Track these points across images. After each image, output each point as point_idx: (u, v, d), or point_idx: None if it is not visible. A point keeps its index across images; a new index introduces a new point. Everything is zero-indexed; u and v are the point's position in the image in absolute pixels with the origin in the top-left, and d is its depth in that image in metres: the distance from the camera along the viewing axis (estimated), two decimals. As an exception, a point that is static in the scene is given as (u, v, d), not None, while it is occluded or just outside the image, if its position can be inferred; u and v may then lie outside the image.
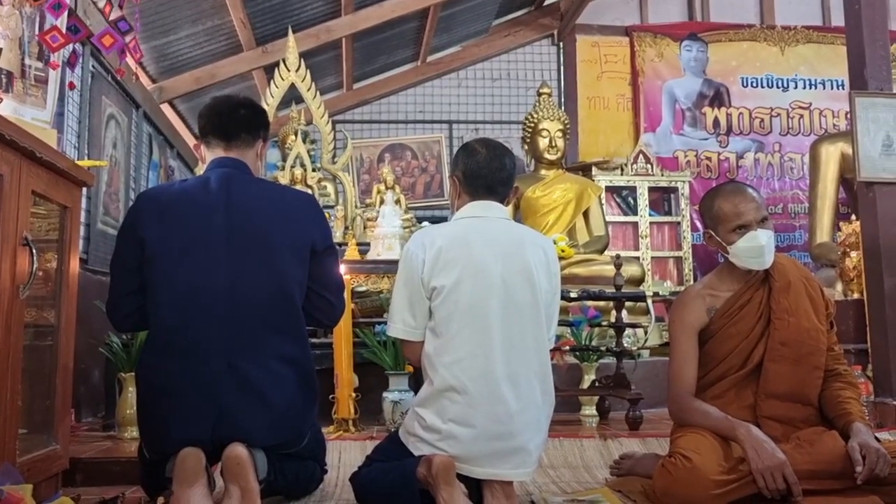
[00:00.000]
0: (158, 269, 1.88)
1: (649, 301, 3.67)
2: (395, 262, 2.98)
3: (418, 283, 1.95)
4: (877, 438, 2.04)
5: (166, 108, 5.40)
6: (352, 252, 4.02)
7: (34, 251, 1.90)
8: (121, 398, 2.98)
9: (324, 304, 2.06)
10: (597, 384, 3.41)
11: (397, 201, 4.66)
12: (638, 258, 5.78)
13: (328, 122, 4.76)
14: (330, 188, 4.89)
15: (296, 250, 1.96)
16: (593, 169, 6.11)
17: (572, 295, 3.31)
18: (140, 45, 3.19)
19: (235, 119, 2.03)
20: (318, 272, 2.02)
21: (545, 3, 7.13)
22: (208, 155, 2.06)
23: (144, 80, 4.93)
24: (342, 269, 2.28)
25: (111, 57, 3.50)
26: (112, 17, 2.83)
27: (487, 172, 2.04)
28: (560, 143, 5.32)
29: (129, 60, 3.52)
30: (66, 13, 2.58)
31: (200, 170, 2.24)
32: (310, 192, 4.58)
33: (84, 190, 2.48)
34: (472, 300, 1.91)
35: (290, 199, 2.05)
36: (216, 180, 1.95)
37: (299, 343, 1.96)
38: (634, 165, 6.23)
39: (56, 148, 2.27)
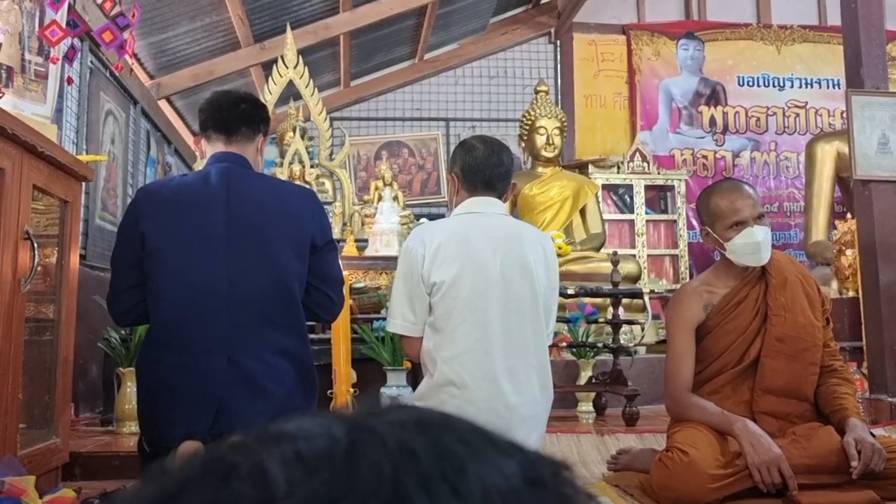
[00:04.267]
0: (158, 263, 1.89)
1: (646, 298, 3.68)
2: (393, 259, 3.00)
3: (418, 278, 1.96)
4: (871, 434, 2.06)
5: (164, 105, 5.39)
6: (350, 248, 4.03)
7: (35, 245, 1.90)
8: (119, 393, 2.98)
9: (323, 300, 2.07)
10: (593, 380, 3.42)
11: (395, 198, 4.67)
12: (634, 256, 5.80)
13: (326, 119, 4.76)
14: (328, 185, 4.90)
15: (295, 245, 1.96)
16: (590, 167, 6.13)
17: (569, 292, 3.33)
18: (137, 40, 3.19)
19: (236, 113, 2.03)
20: (318, 267, 2.03)
21: (542, 2, 7.13)
22: (208, 149, 2.06)
23: (142, 76, 4.93)
24: (340, 265, 2.29)
25: (110, 53, 3.50)
26: (112, 12, 2.83)
27: (485, 168, 2.05)
28: (557, 140, 5.33)
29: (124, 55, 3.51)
30: (65, 7, 2.58)
31: (199, 166, 2.24)
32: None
33: (83, 185, 2.48)
34: (472, 295, 1.92)
35: (290, 193, 2.05)
36: (216, 175, 1.95)
37: (299, 337, 1.97)
38: (631, 163, 6.25)
39: (56, 143, 2.27)
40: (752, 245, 2.15)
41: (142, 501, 0.31)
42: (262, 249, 1.92)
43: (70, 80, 3.01)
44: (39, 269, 2.00)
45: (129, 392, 2.90)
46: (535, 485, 0.31)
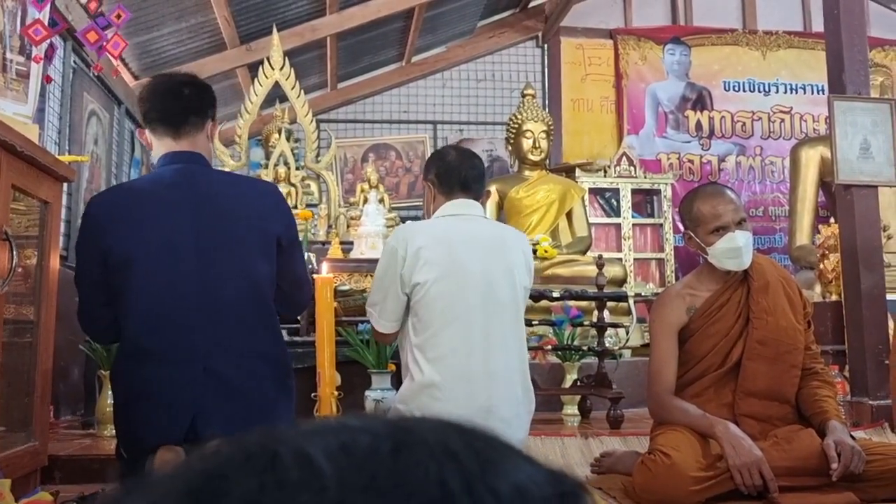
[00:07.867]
0: (126, 276, 1.79)
1: (631, 301, 3.70)
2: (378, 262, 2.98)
3: (395, 277, 1.96)
4: (852, 436, 2.07)
5: (149, 106, 5.36)
6: (335, 251, 4.01)
7: (14, 246, 1.88)
8: (100, 396, 2.96)
9: (286, 299, 2.01)
10: (578, 383, 3.43)
11: (381, 200, 4.66)
12: (620, 259, 5.82)
13: (312, 121, 4.75)
14: (314, 187, 4.89)
15: (263, 246, 1.90)
16: (577, 170, 6.14)
17: (555, 294, 3.33)
18: (121, 41, 3.16)
19: (181, 103, 1.90)
20: (284, 267, 1.95)
21: (530, 5, 7.15)
22: (156, 144, 1.93)
23: (127, 76, 4.90)
24: (325, 267, 2.28)
25: (92, 52, 3.47)
26: (96, 12, 2.81)
27: (461, 169, 2.09)
28: (544, 144, 5.34)
29: (108, 56, 3.48)
30: (48, 6, 2.56)
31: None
32: (291, 189, 4.58)
33: (64, 186, 2.46)
34: (453, 298, 1.92)
35: (254, 192, 1.96)
36: (176, 177, 1.86)
37: (274, 339, 1.93)
38: (617, 167, 6.27)
39: (37, 143, 2.25)
40: (733, 250, 2.16)
41: (182, 486, 0.30)
42: (232, 253, 1.84)
43: (49, 79, 2.97)
44: (19, 270, 1.97)
45: (110, 395, 2.87)
46: (565, 498, 0.32)
